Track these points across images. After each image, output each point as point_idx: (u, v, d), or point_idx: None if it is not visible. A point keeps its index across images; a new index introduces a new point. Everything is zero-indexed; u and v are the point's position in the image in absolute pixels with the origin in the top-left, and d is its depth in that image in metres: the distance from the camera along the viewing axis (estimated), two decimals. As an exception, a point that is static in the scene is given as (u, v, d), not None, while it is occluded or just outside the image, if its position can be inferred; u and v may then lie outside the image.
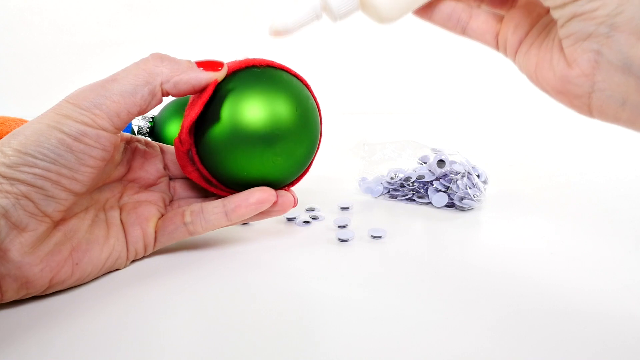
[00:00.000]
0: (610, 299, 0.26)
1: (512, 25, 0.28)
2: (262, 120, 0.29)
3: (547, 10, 0.26)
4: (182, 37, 1.09)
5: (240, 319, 0.25)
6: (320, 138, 0.34)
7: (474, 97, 1.02)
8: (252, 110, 0.29)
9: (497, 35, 0.29)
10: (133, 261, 0.31)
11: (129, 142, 0.33)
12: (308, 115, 0.31)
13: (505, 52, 0.29)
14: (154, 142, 0.35)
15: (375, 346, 0.22)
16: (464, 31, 0.30)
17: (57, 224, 0.26)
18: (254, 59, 0.31)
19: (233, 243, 0.34)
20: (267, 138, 0.29)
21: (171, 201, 0.35)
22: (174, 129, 0.55)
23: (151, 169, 0.34)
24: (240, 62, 0.31)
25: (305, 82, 0.33)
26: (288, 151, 0.30)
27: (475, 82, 1.01)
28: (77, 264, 0.27)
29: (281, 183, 0.32)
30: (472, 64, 1.05)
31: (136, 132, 0.57)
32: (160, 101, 0.28)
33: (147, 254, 0.32)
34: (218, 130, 0.29)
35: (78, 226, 0.28)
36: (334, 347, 0.22)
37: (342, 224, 0.37)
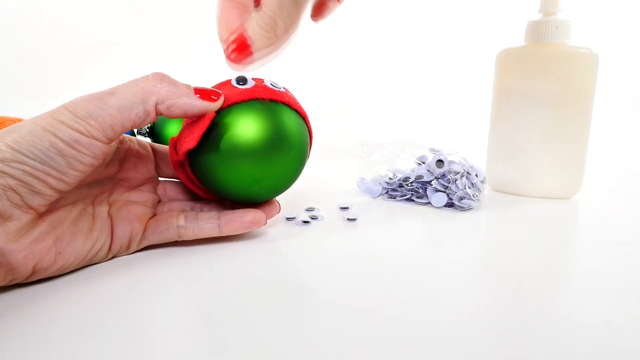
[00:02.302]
0: (610, 300, 0.26)
1: None
2: (255, 160, 0.31)
3: None
4: (182, 37, 1.10)
5: (236, 314, 0.25)
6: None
7: (473, 97, 1.02)
8: (248, 149, 0.31)
9: None
10: (113, 257, 0.32)
11: (121, 142, 0.33)
12: (298, 154, 0.33)
13: None
14: (146, 143, 0.36)
15: (373, 343, 0.22)
16: None
17: (42, 214, 0.27)
18: (259, 89, 0.32)
19: (232, 242, 0.34)
20: (257, 175, 0.32)
21: (159, 202, 0.36)
22: (173, 129, 0.55)
23: (142, 169, 0.35)
24: (243, 92, 0.32)
25: (304, 115, 0.35)
26: (276, 185, 0.34)
27: (474, 82, 1.01)
28: (60, 252, 0.28)
29: (265, 199, 0.35)
30: (471, 64, 1.05)
31: (136, 132, 0.58)
32: (155, 119, 0.29)
33: (131, 251, 0.32)
34: (212, 158, 0.31)
35: (64, 218, 0.29)
36: (332, 343, 0.22)
37: (352, 216, 0.39)
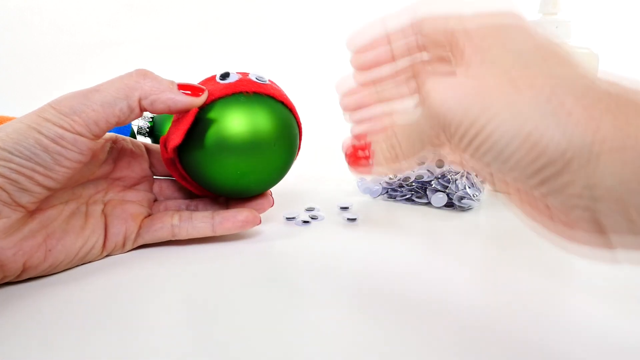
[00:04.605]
0: (609, 300, 0.26)
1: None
2: (241, 153, 0.31)
3: None
4: (182, 37, 1.09)
5: (233, 314, 0.25)
6: (298, 153, 0.36)
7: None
8: (233, 142, 0.31)
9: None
10: (108, 255, 0.32)
11: (115, 141, 0.34)
12: (286, 146, 0.33)
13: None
14: (140, 142, 0.36)
15: (373, 344, 0.22)
16: None
17: (32, 213, 0.28)
18: (242, 83, 0.32)
19: (230, 241, 0.34)
20: (244, 169, 0.32)
21: (155, 200, 0.36)
22: (173, 129, 0.55)
23: (136, 168, 0.35)
24: (227, 86, 0.32)
25: (291, 106, 0.35)
26: (265, 178, 0.34)
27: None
28: (50, 250, 0.28)
29: (257, 193, 0.35)
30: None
31: (136, 132, 0.58)
32: (140, 115, 0.29)
33: (125, 250, 0.32)
34: (199, 153, 0.31)
35: (55, 216, 0.29)
36: (332, 342, 0.22)
37: (352, 216, 0.39)
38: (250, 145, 0.31)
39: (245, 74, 0.34)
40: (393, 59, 0.26)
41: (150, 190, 0.36)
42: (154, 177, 0.37)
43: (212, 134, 0.31)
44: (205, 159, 0.31)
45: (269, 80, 0.34)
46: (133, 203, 0.34)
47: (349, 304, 0.26)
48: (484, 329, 0.23)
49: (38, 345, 0.22)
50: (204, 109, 0.31)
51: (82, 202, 0.31)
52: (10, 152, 0.25)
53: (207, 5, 1.08)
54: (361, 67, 0.27)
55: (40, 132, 0.25)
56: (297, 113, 0.35)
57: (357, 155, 0.27)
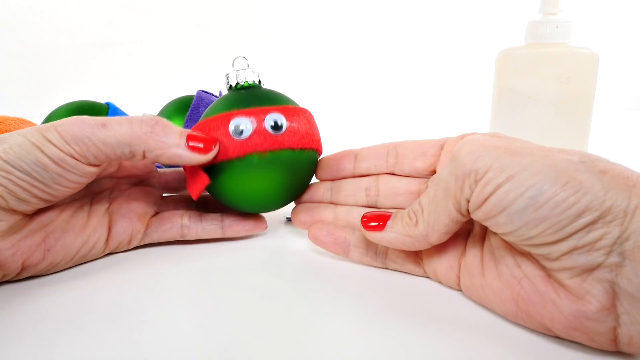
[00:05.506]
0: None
1: (434, 252, 0.27)
2: (252, 209, 0.33)
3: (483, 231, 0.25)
4: (182, 37, 1.10)
5: (233, 313, 0.25)
6: None
7: (473, 97, 1.02)
8: (244, 204, 0.32)
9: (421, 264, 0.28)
10: (110, 254, 0.32)
11: None
12: (301, 187, 0.34)
13: (445, 283, 0.27)
14: None
15: (377, 344, 0.22)
16: (385, 263, 0.29)
17: (31, 215, 0.28)
18: (255, 141, 0.29)
19: (232, 240, 0.34)
20: (254, 211, 0.33)
21: (162, 197, 0.36)
22: (175, 124, 0.54)
23: (141, 165, 0.34)
24: (240, 145, 0.29)
25: (312, 144, 0.32)
26: (275, 207, 0.34)
27: (474, 82, 1.01)
28: (48, 250, 0.28)
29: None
30: (471, 64, 1.05)
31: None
32: (141, 161, 0.29)
33: (131, 247, 0.32)
34: (212, 196, 0.32)
35: (56, 215, 0.29)
36: (333, 343, 0.22)
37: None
38: (262, 204, 0.32)
39: (260, 116, 0.30)
40: None
41: (157, 185, 0.36)
42: (160, 169, 0.36)
43: (222, 194, 0.31)
44: (217, 199, 0.32)
45: (288, 121, 0.30)
46: (140, 201, 0.33)
47: (352, 303, 0.26)
48: (484, 330, 0.23)
49: (38, 346, 0.22)
50: (214, 168, 0.30)
51: (86, 201, 0.31)
52: (12, 166, 0.25)
53: (207, 5, 1.08)
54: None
55: (42, 152, 0.25)
56: (320, 147, 0.33)
57: (369, 224, 0.27)
